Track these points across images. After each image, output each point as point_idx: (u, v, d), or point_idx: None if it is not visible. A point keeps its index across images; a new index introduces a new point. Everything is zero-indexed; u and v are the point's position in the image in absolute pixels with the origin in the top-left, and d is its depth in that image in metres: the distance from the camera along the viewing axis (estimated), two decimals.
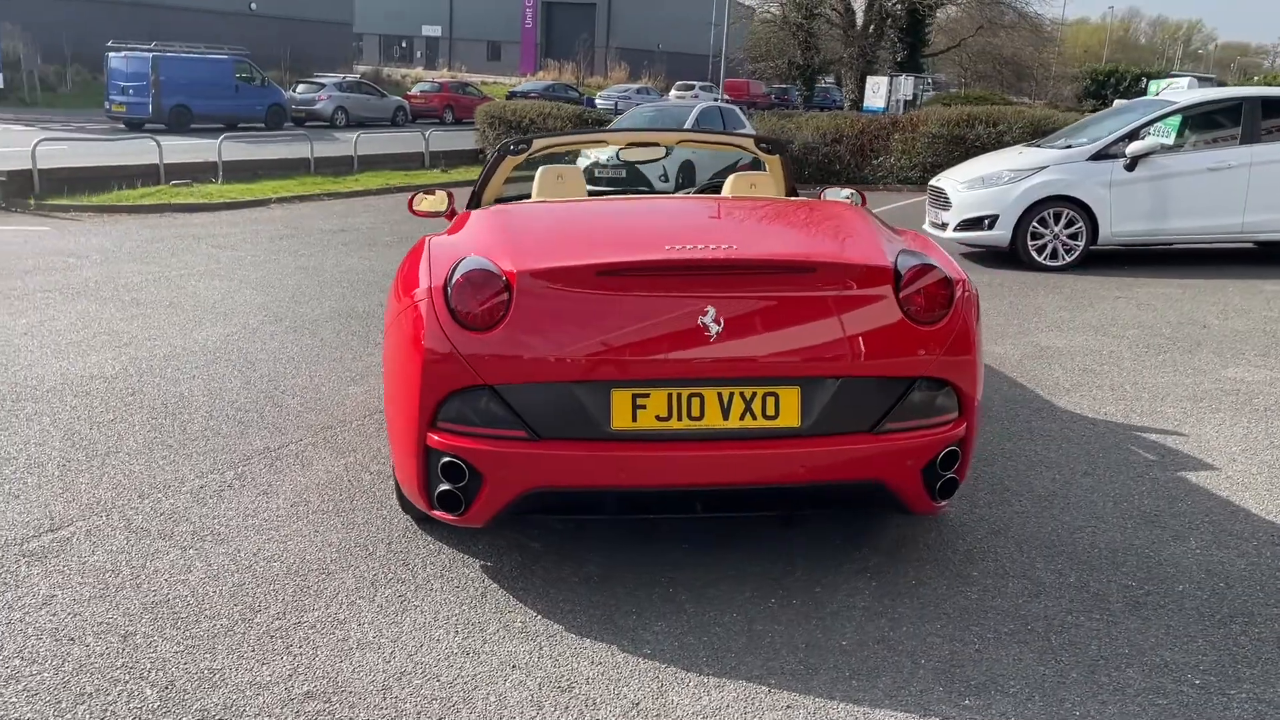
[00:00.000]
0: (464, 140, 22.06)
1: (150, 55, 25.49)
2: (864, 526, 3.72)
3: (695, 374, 2.99)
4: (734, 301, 3.01)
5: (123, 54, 25.85)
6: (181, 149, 16.76)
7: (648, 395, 2.99)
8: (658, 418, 3.00)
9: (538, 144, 4.99)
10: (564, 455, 2.98)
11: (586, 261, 3.05)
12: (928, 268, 3.18)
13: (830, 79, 44.17)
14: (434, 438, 3.06)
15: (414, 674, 2.77)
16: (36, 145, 13.42)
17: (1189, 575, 3.42)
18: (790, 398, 3.04)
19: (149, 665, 2.78)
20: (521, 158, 5.02)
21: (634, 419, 2.99)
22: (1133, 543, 3.67)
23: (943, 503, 3.30)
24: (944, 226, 9.85)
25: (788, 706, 2.66)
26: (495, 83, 48.47)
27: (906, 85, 31.71)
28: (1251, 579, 3.40)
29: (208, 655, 2.84)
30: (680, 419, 3.00)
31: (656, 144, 5.19)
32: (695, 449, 3.01)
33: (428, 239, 3.53)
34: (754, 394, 3.02)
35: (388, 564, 3.40)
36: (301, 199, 14.43)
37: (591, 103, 36.22)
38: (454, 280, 3.05)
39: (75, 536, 3.55)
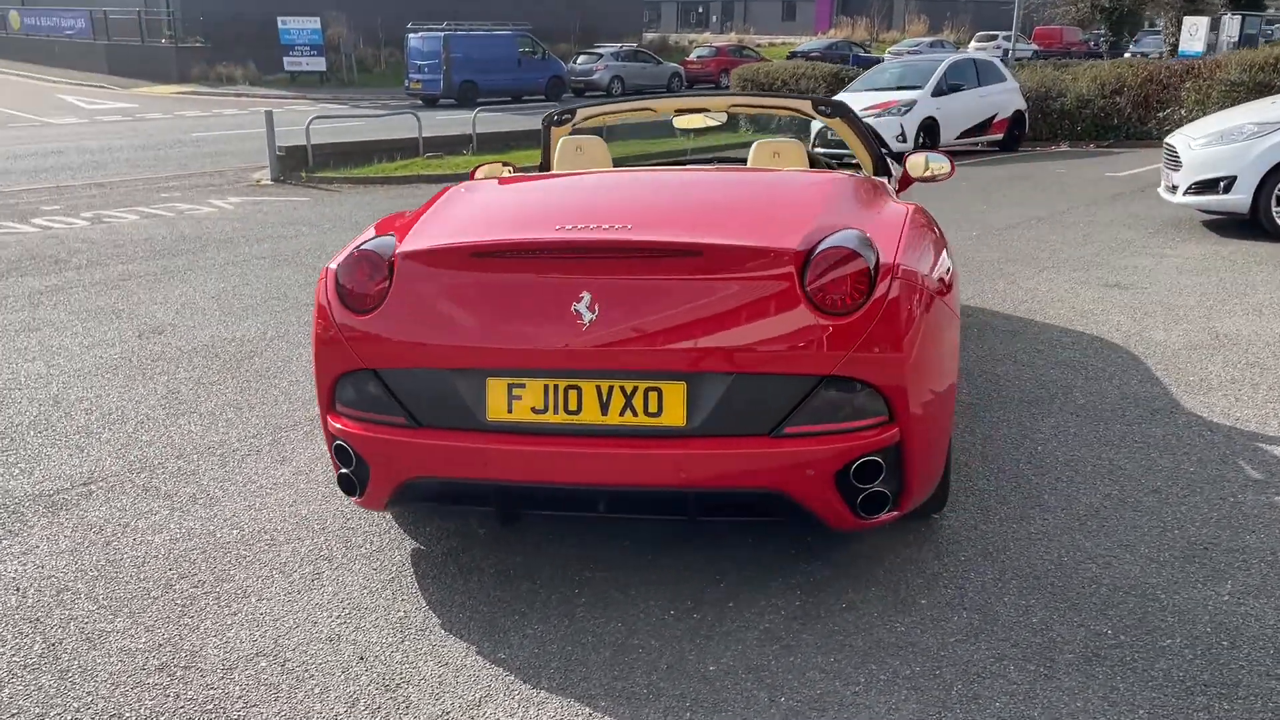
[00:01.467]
0: None
1: (443, 34, 27.35)
2: (842, 532, 3.36)
3: (568, 364, 2.79)
4: (612, 287, 2.78)
5: (420, 34, 27.92)
6: (450, 123, 17.82)
7: (524, 386, 2.83)
8: (533, 410, 2.83)
9: (581, 114, 4.88)
10: (441, 445, 2.89)
11: (458, 243, 2.92)
12: (841, 252, 2.78)
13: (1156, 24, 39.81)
14: (330, 420, 3.08)
15: (267, 656, 2.82)
16: (310, 123, 14.82)
17: (1189, 628, 2.81)
18: (675, 394, 2.77)
19: (57, 622, 3.00)
20: (567, 128, 4.92)
21: (509, 410, 2.84)
22: (1147, 581, 3.06)
23: (877, 518, 2.90)
24: (1174, 190, 8.63)
25: None
26: (783, 43, 47.85)
27: (1232, 25, 27.88)
28: (1269, 641, 2.74)
29: (111, 617, 3.03)
30: (556, 412, 2.82)
31: (705, 109, 4.90)
32: (572, 445, 2.82)
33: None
34: (635, 389, 2.78)
35: (327, 541, 3.47)
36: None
37: (859, 60, 34.77)
38: (343, 260, 3.04)
39: (96, 492, 3.91)
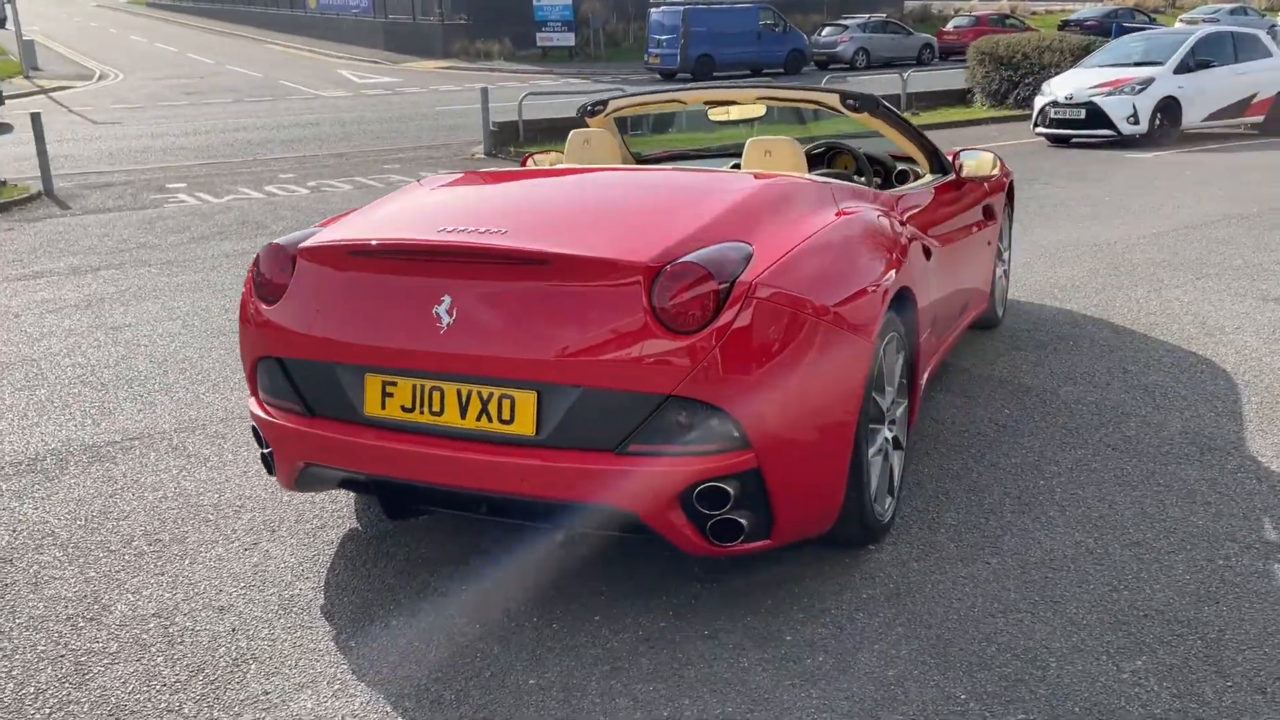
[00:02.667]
0: (953, 80, 20.93)
1: (682, 9, 27.57)
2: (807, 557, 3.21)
3: (430, 366, 2.85)
4: (469, 292, 2.81)
5: (661, 9, 28.31)
6: None
7: (395, 384, 2.92)
8: (403, 408, 2.91)
9: (613, 105, 4.86)
10: (327, 436, 3.03)
11: (338, 241, 3.04)
12: (690, 268, 2.66)
13: None
14: (251, 402, 3.29)
15: (160, 617, 3.05)
16: (523, 99, 15.48)
17: (1054, 704, 2.50)
18: (526, 403, 2.77)
19: (23, 565, 3.39)
20: (601, 119, 4.91)
21: (383, 407, 2.94)
22: (1047, 645, 2.74)
23: (737, 546, 2.78)
24: None
25: None
26: (1061, 10, 44.65)
27: None
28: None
29: (65, 565, 3.38)
30: (422, 412, 2.89)
31: (734, 102, 4.71)
32: (434, 445, 2.88)
33: None
34: (491, 395, 2.80)
35: (282, 515, 3.70)
36: None
37: (1123, 30, 31.77)
38: (262, 250, 3.23)
39: (135, 447, 4.35)
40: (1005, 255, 5.71)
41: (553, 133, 15.55)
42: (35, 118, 12.17)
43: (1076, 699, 2.53)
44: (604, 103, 4.88)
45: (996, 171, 4.76)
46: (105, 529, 3.62)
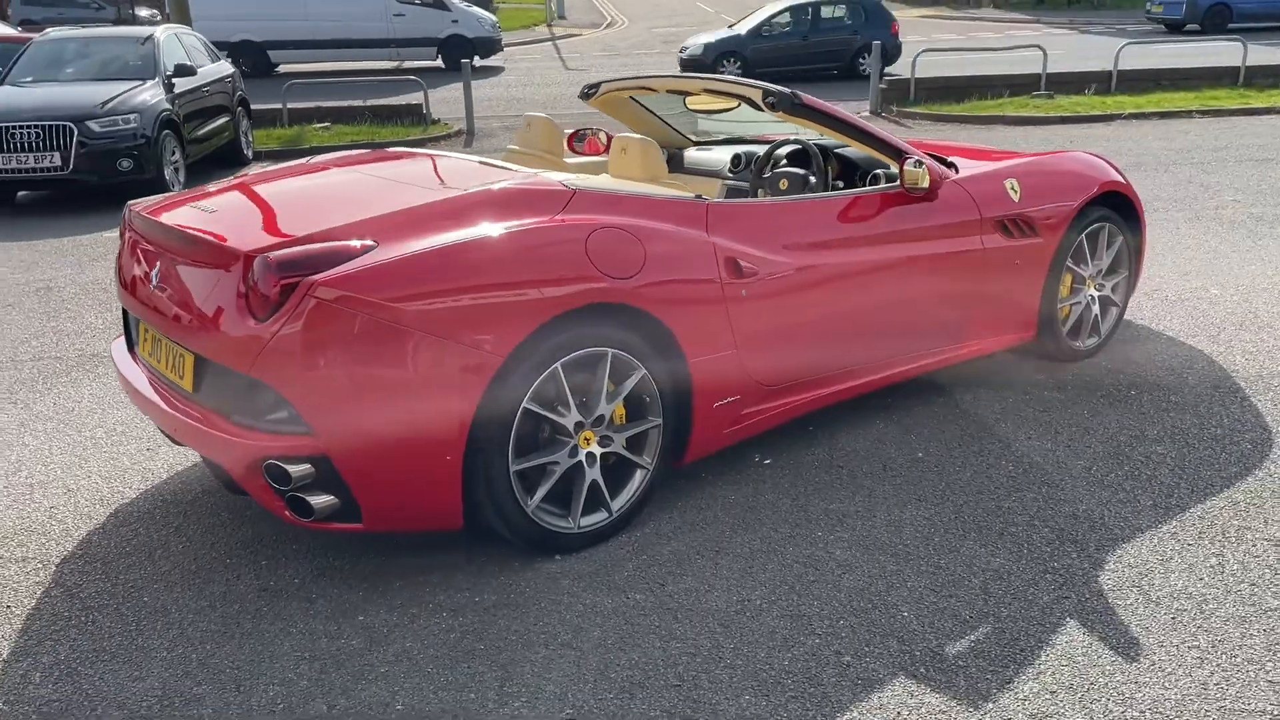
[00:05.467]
0: None
1: None
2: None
3: (146, 319, 3.28)
4: (164, 262, 3.17)
5: None
6: (1178, 54, 15.82)
7: (147, 331, 3.37)
8: (150, 351, 3.36)
9: (604, 88, 4.78)
10: (124, 372, 3.49)
11: (133, 209, 3.50)
12: (268, 261, 2.79)
13: None
14: None
15: (82, 558, 3.71)
16: (917, 57, 14.73)
17: None
18: (188, 363, 3.09)
19: None
20: (593, 101, 4.84)
21: (146, 348, 3.41)
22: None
23: (315, 522, 2.88)
24: None
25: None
26: None
27: None
28: None
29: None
30: (155, 357, 3.32)
31: (688, 92, 4.49)
32: (157, 387, 3.28)
33: None
34: (174, 350, 3.17)
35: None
36: (1170, 115, 12.91)
37: None
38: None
39: None
40: (1103, 280, 4.73)
41: (946, 92, 14.61)
42: (465, 66, 14.07)
43: None
44: (597, 86, 4.86)
45: (925, 185, 3.92)
46: (75, 436, 4.40)
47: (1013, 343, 4.43)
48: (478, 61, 21.61)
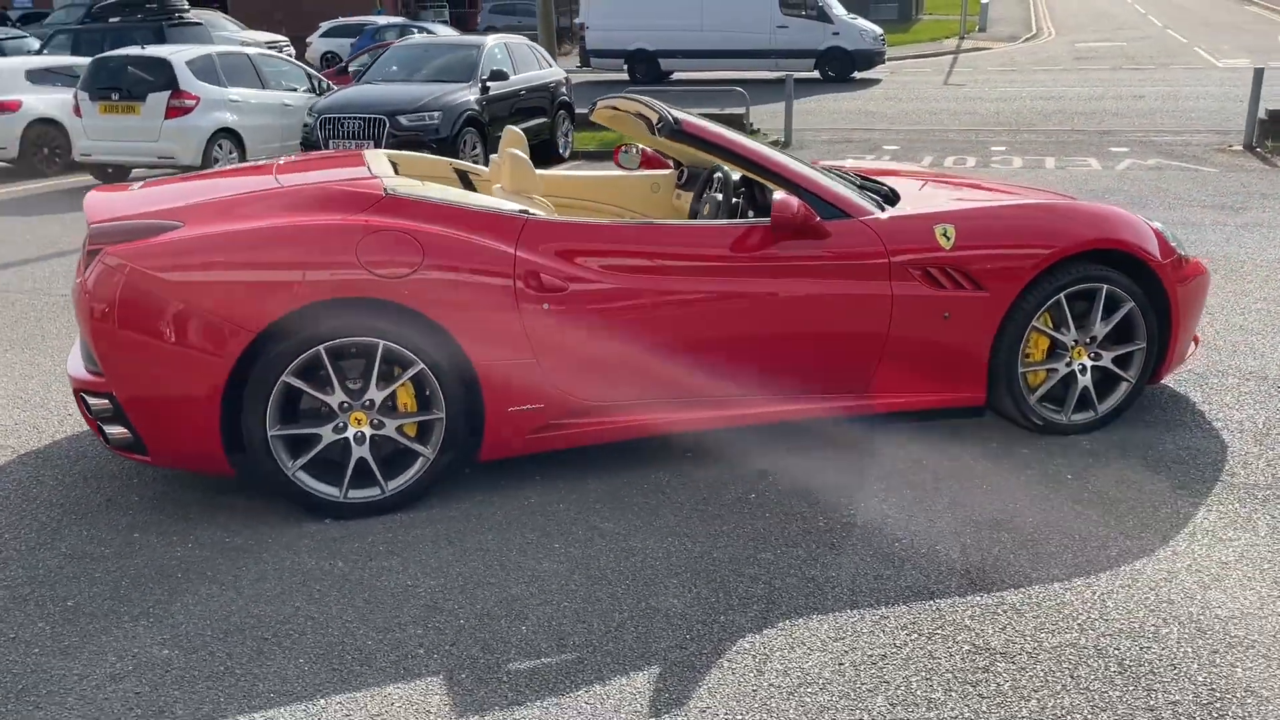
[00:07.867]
0: None
1: None
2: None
3: None
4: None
5: None
6: None
7: None
8: None
9: (600, 104, 4.76)
10: None
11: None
12: (91, 230, 3.47)
13: None
14: None
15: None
16: None
17: None
18: None
19: None
20: (593, 116, 4.86)
21: None
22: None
23: (116, 449, 3.57)
24: None
25: None
26: None
27: None
28: None
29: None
30: None
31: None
32: None
33: None
34: None
35: None
36: None
37: None
38: None
39: None
40: (1100, 350, 4.10)
41: None
42: (789, 79, 14.32)
43: None
44: (595, 103, 4.86)
45: (789, 217, 3.66)
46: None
47: (957, 402, 4.02)
48: (856, 74, 21.67)
